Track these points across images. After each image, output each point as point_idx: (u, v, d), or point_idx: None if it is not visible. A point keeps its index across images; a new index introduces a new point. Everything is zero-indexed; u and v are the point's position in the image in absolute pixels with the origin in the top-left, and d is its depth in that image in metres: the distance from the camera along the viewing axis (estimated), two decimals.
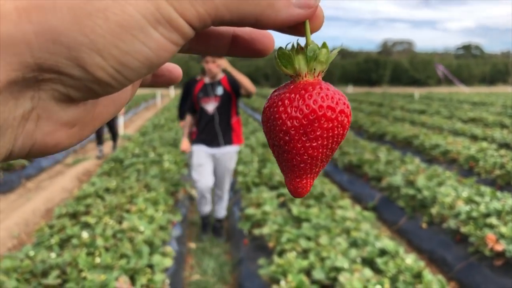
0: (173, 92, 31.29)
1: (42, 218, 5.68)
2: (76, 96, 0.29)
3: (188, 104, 4.58)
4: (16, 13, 0.25)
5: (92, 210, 4.47)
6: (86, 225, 4.11)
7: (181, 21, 0.28)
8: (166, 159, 6.98)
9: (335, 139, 0.37)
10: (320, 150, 0.37)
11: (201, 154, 4.48)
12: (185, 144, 4.64)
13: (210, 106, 4.37)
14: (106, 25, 0.26)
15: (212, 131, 4.42)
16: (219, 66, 4.28)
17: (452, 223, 4.46)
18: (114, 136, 9.37)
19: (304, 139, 0.37)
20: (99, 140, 9.14)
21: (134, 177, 5.92)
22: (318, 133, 0.37)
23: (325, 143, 0.37)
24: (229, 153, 4.52)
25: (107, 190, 5.34)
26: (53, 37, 0.26)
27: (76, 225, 4.15)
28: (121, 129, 12.65)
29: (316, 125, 0.36)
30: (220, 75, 4.43)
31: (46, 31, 0.26)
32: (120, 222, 4.16)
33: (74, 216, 4.49)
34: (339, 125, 0.37)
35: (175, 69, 0.42)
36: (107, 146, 10.15)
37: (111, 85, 0.28)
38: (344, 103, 0.37)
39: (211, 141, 4.45)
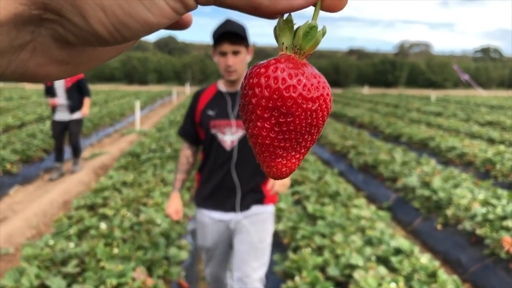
0: (189, 90, 31.45)
1: (59, 210, 5.78)
2: (73, 41, 0.30)
3: (187, 127, 2.63)
4: None
5: (110, 202, 4.54)
6: (104, 217, 4.17)
7: (192, 1, 0.29)
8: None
9: (284, 121, 0.35)
10: (264, 131, 0.36)
11: (208, 230, 2.61)
12: (174, 203, 2.59)
13: (229, 137, 2.46)
14: None
15: (228, 183, 2.50)
16: (242, 62, 2.41)
17: (467, 225, 4.44)
18: (75, 148, 7.23)
19: (252, 117, 0.36)
20: (59, 156, 7.17)
21: (150, 172, 5.99)
22: (258, 112, 0.35)
23: (269, 124, 0.35)
24: (257, 216, 2.54)
25: (124, 183, 5.42)
26: None
27: (94, 216, 4.22)
28: (137, 125, 12.78)
29: (257, 103, 0.35)
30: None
31: None
32: (137, 215, 4.22)
33: (92, 208, 4.57)
34: (284, 107, 0.34)
35: (185, 15, 0.38)
36: (80, 174, 7.45)
37: (107, 40, 0.30)
38: (304, 85, 0.34)
39: (226, 199, 2.53)
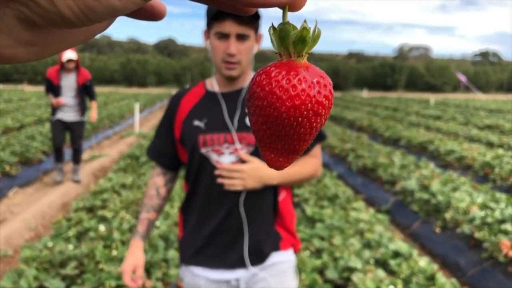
0: None
1: (58, 212, 5.78)
2: (39, 22, 0.30)
3: (161, 145, 1.86)
4: None
5: (109, 204, 4.55)
6: (103, 219, 4.18)
7: None
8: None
9: (268, 118, 0.36)
10: (257, 126, 0.38)
11: None
12: (133, 257, 1.70)
13: (229, 158, 1.70)
14: None
15: (232, 226, 1.72)
16: (249, 51, 1.70)
17: (466, 228, 4.44)
18: (76, 152, 6.88)
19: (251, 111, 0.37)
20: (59, 156, 6.88)
21: (149, 174, 5.99)
22: (252, 110, 0.37)
23: (260, 120, 0.37)
24: (275, 267, 1.76)
25: (123, 185, 5.42)
26: None
27: (93, 218, 4.22)
28: (136, 127, 12.78)
29: (252, 102, 0.37)
30: (250, 76, 1.80)
31: None
32: (136, 217, 4.22)
33: (91, 210, 4.57)
34: (271, 106, 0.35)
35: (157, 5, 0.38)
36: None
37: (73, 23, 0.30)
38: (294, 88, 0.35)
39: (229, 250, 1.74)
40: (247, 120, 1.61)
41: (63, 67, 6.43)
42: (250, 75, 1.75)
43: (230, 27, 1.60)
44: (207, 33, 1.71)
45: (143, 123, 15.32)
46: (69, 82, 6.49)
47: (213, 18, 1.63)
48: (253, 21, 1.64)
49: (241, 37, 1.63)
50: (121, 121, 14.80)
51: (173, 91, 27.67)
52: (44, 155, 8.30)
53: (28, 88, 35.92)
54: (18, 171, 7.16)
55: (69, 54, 6.35)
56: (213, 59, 1.68)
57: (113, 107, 17.02)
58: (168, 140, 1.80)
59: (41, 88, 36.59)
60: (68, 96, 6.55)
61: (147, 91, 36.38)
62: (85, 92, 6.67)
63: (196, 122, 1.69)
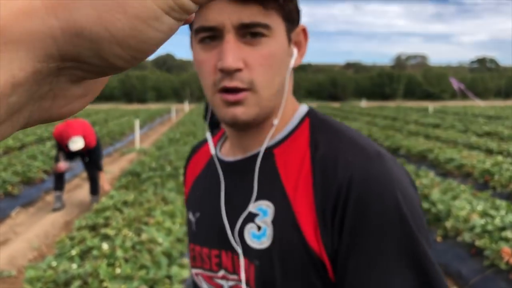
0: (188, 107, 31.59)
1: (61, 230, 5.80)
2: (91, 77, 0.32)
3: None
4: (44, 10, 0.28)
5: (111, 222, 4.58)
6: (106, 237, 4.21)
7: (192, 4, 0.31)
8: (182, 173, 7.09)
9: None
10: None
11: None
12: None
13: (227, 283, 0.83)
14: (125, 18, 0.29)
15: None
16: (271, 60, 0.76)
17: (467, 237, 4.47)
18: (93, 182, 6.76)
19: None
20: (59, 184, 6.67)
21: (151, 191, 6.03)
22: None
23: None
24: None
25: (125, 203, 5.46)
26: (77, 31, 0.29)
27: (96, 237, 4.25)
28: (137, 144, 12.84)
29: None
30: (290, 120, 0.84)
31: (71, 27, 0.29)
32: (139, 234, 4.25)
33: (93, 228, 4.60)
34: None
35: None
36: (80, 194, 7.55)
37: (124, 68, 0.31)
38: None
39: None
40: (265, 233, 0.77)
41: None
42: (293, 110, 0.85)
43: (220, 10, 0.73)
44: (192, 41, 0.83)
45: (144, 139, 15.38)
46: (75, 150, 6.33)
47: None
48: None
49: (249, 33, 0.75)
50: (121, 138, 14.88)
51: (173, 106, 27.77)
52: (46, 174, 8.34)
53: None
54: (20, 191, 7.20)
55: (78, 145, 6.19)
56: (203, 88, 0.81)
57: (113, 124, 17.11)
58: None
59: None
60: (72, 163, 6.62)
61: (146, 107, 36.53)
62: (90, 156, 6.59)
63: (190, 215, 0.95)
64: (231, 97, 0.74)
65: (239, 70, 0.73)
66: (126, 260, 3.65)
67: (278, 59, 0.77)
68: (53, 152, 9.58)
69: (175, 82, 50.40)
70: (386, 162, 0.73)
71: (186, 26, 0.74)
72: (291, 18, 0.79)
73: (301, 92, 47.66)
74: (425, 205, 5.43)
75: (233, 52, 0.72)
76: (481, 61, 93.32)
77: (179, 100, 44.48)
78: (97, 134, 6.93)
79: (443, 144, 10.95)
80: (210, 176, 0.90)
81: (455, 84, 33.01)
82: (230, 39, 0.73)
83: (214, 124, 0.97)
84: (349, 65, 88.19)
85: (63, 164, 6.48)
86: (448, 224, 4.86)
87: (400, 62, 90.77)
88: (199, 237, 0.90)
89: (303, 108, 0.86)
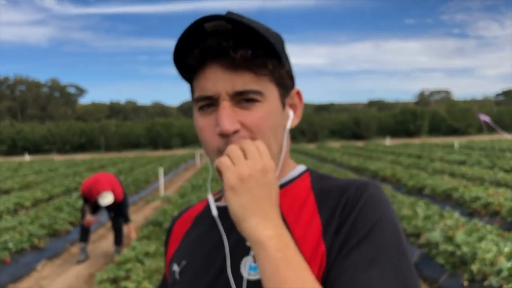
0: None
1: (85, 283, 5.86)
2: None
3: None
4: None
5: (132, 275, 4.61)
6: None
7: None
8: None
9: None
10: None
11: None
12: None
13: None
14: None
15: None
16: (265, 121, 0.82)
17: (494, 281, 4.33)
18: (117, 233, 6.94)
19: None
20: (84, 236, 6.85)
21: None
22: None
23: None
24: None
25: (147, 254, 5.50)
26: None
27: None
28: (161, 191, 12.98)
29: None
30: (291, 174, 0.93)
31: None
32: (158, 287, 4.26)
33: (114, 281, 4.64)
34: None
35: None
36: (105, 245, 7.73)
37: None
38: None
39: None
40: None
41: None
42: (291, 168, 0.94)
43: (216, 80, 0.80)
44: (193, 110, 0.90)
45: (168, 186, 15.55)
46: (104, 205, 6.59)
47: (183, 69, 0.86)
48: (265, 57, 0.81)
49: (243, 100, 0.81)
50: (146, 185, 15.08)
51: (197, 151, 28.06)
52: (71, 225, 8.49)
53: (57, 158, 37.00)
54: (46, 243, 7.34)
55: (108, 200, 6.43)
56: (206, 152, 0.87)
57: (138, 172, 17.38)
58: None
59: (69, 157, 37.65)
60: (100, 216, 6.81)
61: (172, 153, 37.03)
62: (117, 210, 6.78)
63: (174, 267, 0.95)
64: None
65: (236, 131, 0.79)
66: None
67: (273, 122, 0.83)
68: (79, 203, 9.79)
69: None
70: (375, 186, 0.83)
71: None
72: (284, 83, 0.86)
73: (324, 132, 47.66)
74: (450, 247, 5.30)
75: (229, 116, 0.79)
76: (507, 94, 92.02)
77: None
78: (122, 184, 7.10)
79: (469, 182, 10.73)
80: (203, 226, 0.95)
81: (482, 117, 32.51)
82: (226, 105, 0.80)
83: None
84: (371, 103, 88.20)
85: (91, 218, 6.64)
86: (474, 267, 4.72)
87: (423, 98, 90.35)
88: (182, 284, 0.90)
89: (301, 166, 0.95)
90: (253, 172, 0.73)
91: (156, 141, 48.32)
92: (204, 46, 0.80)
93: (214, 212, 0.86)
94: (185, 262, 0.92)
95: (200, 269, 0.87)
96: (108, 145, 46.52)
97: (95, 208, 6.70)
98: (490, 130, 44.35)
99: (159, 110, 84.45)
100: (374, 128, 50.68)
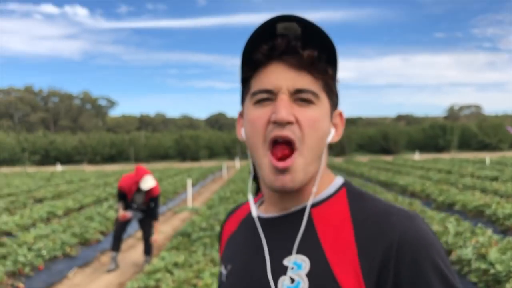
0: (239, 164, 32.01)
1: None
2: None
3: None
4: None
5: (161, 284, 4.67)
6: None
7: None
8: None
9: None
10: None
11: None
12: None
13: None
14: None
15: None
16: (316, 124, 0.85)
17: None
18: (146, 242, 7.02)
19: None
20: (116, 244, 6.97)
21: (201, 252, 6.12)
22: None
23: None
24: None
25: (176, 264, 5.56)
26: None
27: None
28: (189, 203, 13.10)
29: None
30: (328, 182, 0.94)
31: None
32: None
33: None
34: None
35: None
36: (135, 255, 7.75)
37: None
38: None
39: None
40: (298, 285, 0.81)
41: (139, 188, 6.75)
42: (329, 180, 0.94)
43: (278, 75, 0.85)
44: (240, 116, 0.97)
45: (196, 197, 15.67)
46: (138, 199, 6.84)
47: (248, 65, 0.88)
48: (327, 67, 0.87)
49: (300, 98, 0.85)
50: (174, 196, 15.24)
51: (224, 163, 28.18)
52: (102, 235, 8.65)
53: (88, 168, 37.73)
54: (78, 252, 7.50)
55: (150, 183, 6.70)
56: (251, 155, 0.90)
57: (167, 183, 17.58)
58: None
59: (100, 168, 38.37)
60: (135, 209, 6.91)
61: (199, 165, 37.32)
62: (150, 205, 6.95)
63: (222, 268, 1.00)
64: (281, 164, 0.83)
65: (290, 123, 0.83)
66: None
67: (322, 127, 0.87)
68: (110, 213, 9.97)
69: (226, 140, 51.40)
70: (421, 221, 0.82)
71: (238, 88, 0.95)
72: (333, 98, 0.91)
73: (352, 146, 47.21)
74: (483, 265, 5.19)
75: (286, 107, 0.83)
76: None
77: (230, 157, 45.18)
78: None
79: (502, 198, 10.48)
80: (245, 232, 0.98)
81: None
82: (284, 97, 0.84)
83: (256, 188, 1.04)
84: (400, 117, 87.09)
85: (126, 213, 6.79)
86: (509, 286, 4.61)
87: (453, 113, 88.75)
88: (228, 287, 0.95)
89: (339, 179, 0.95)
90: None
91: (184, 153, 48.78)
92: (273, 44, 0.85)
93: (254, 213, 0.92)
94: (230, 266, 0.95)
95: (244, 276, 0.90)
96: (138, 157, 47.17)
97: (128, 206, 6.88)
98: None
99: (188, 122, 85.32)
100: (403, 143, 49.92)
